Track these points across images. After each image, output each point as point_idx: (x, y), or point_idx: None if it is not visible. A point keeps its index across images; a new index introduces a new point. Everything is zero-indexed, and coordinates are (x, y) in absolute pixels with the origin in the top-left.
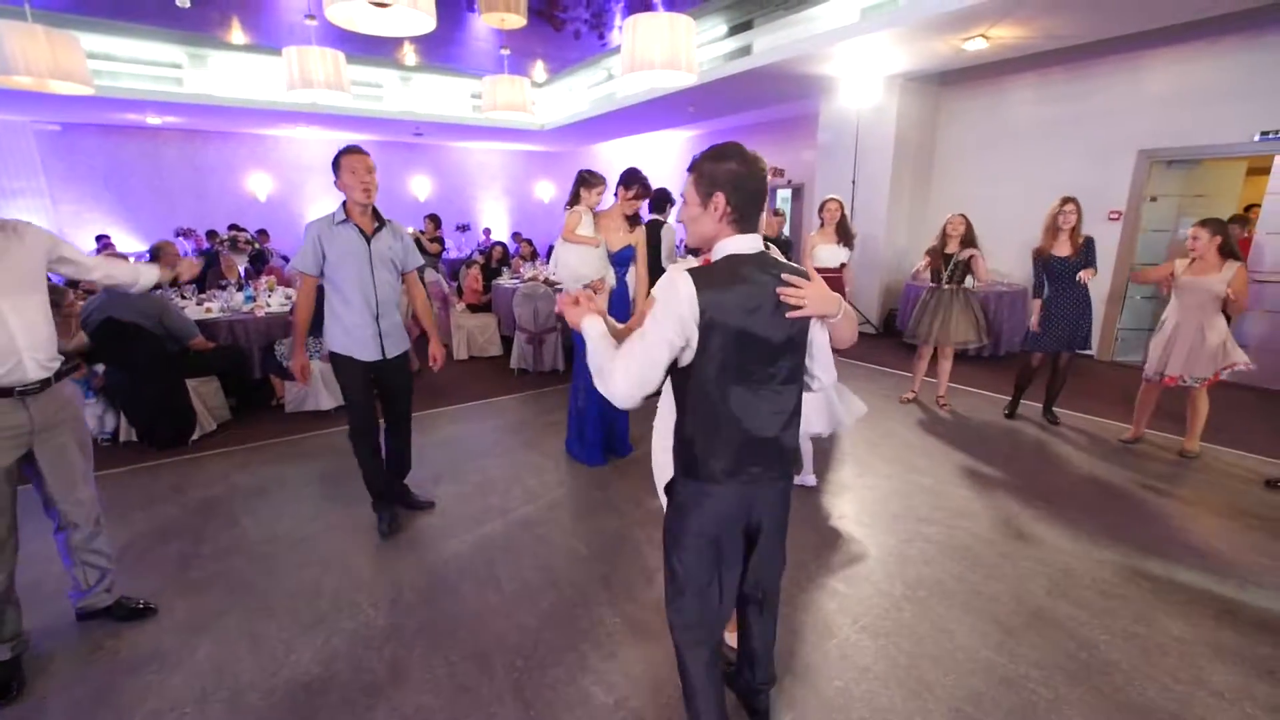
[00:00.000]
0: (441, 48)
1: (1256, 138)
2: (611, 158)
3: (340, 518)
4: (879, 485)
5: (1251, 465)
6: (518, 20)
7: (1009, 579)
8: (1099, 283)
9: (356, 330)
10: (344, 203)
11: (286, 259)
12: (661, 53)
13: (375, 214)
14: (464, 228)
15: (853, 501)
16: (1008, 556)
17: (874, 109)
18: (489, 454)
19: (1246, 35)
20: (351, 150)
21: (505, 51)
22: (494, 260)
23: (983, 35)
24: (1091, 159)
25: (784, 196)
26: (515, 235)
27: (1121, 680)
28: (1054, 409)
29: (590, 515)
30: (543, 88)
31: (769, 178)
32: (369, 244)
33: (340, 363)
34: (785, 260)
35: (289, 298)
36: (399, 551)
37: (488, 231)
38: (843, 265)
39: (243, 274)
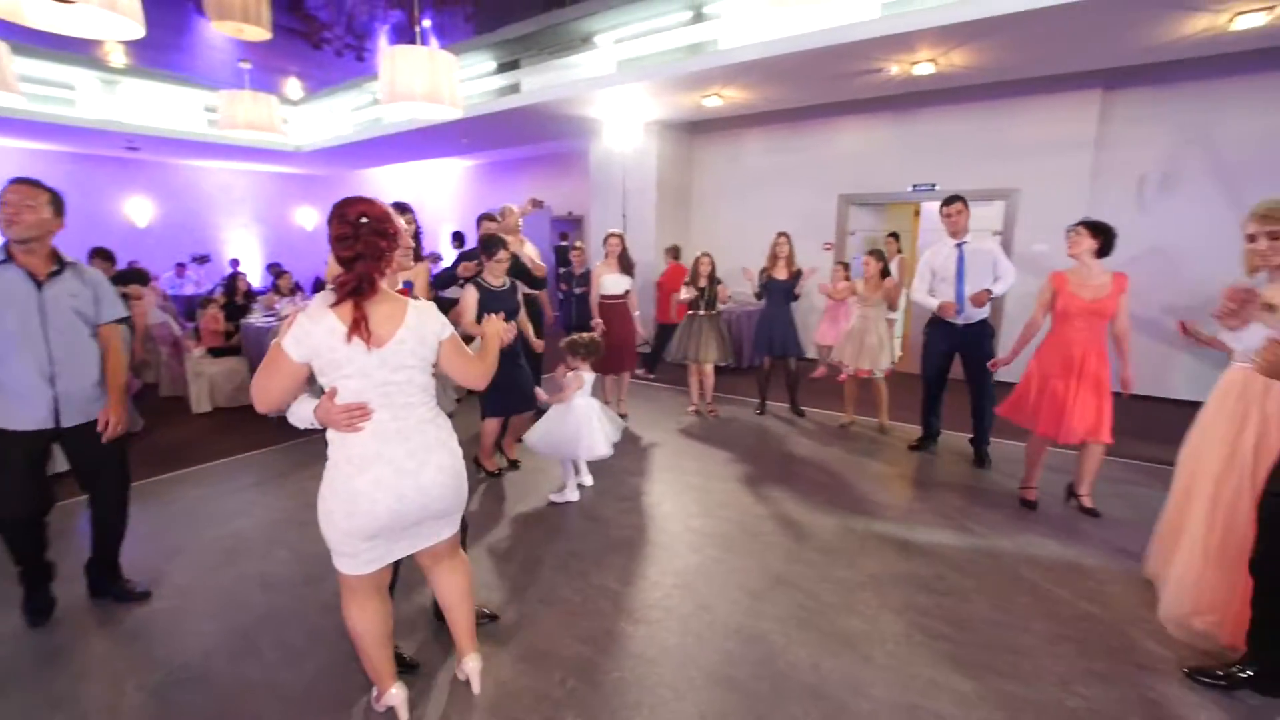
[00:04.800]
0: (161, 52)
1: (910, 188)
2: (385, 184)
3: (27, 629)
4: (654, 489)
5: (918, 435)
6: (260, 33)
7: (757, 553)
8: (823, 300)
9: (15, 394)
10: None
11: None
12: (423, 85)
13: (55, 254)
14: (203, 259)
15: (631, 508)
16: (757, 535)
17: (636, 151)
18: (243, 515)
19: (899, 111)
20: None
21: (246, 65)
22: (237, 295)
23: (717, 94)
24: (809, 200)
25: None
26: (272, 267)
27: (834, 615)
28: (799, 406)
29: None
30: (299, 106)
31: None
32: (39, 290)
33: None
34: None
35: None
36: (120, 646)
37: (235, 263)
38: (627, 292)
39: None
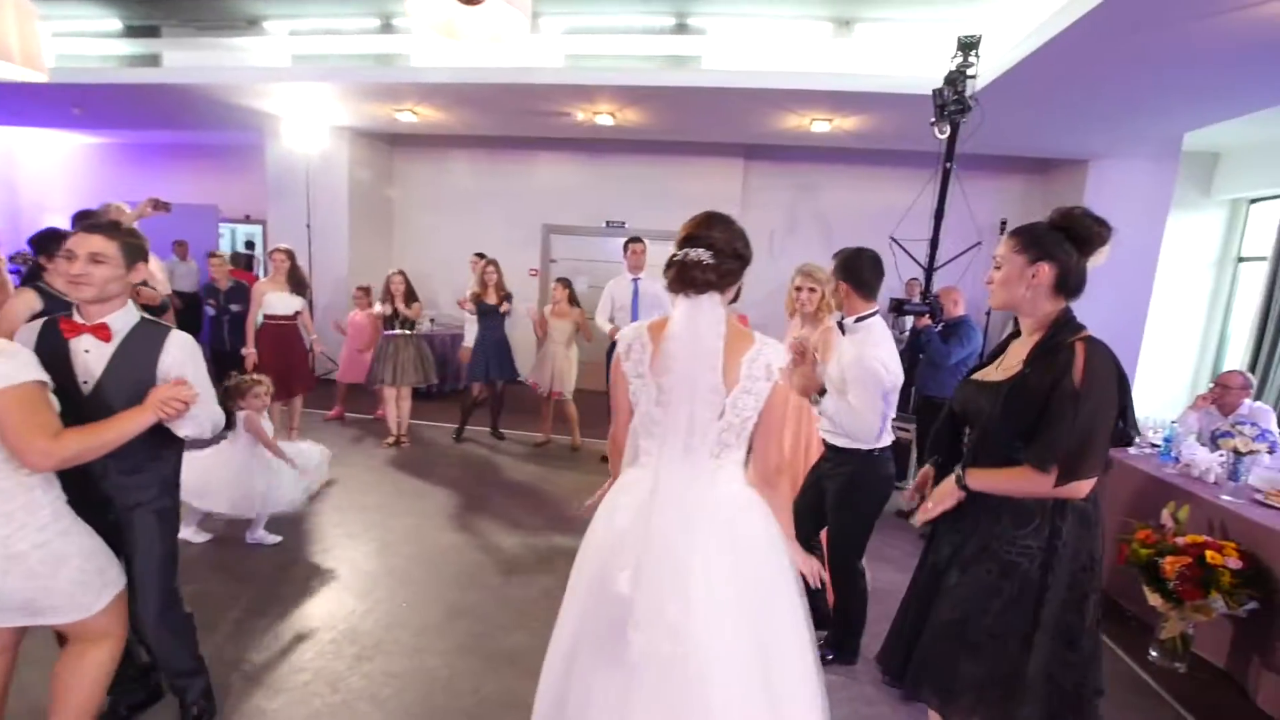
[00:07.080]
0: None
1: (604, 224)
2: None
3: None
4: (326, 535)
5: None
6: None
7: (433, 587)
8: (527, 324)
9: None
10: None
11: None
12: None
13: None
14: None
15: (290, 561)
16: (436, 567)
17: (323, 156)
18: None
19: (594, 153)
20: None
21: None
22: None
23: (411, 110)
24: (515, 226)
25: (248, 232)
26: None
27: (503, 636)
28: (499, 429)
29: None
30: None
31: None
32: None
33: None
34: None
35: None
36: None
37: None
38: (297, 313)
39: None
